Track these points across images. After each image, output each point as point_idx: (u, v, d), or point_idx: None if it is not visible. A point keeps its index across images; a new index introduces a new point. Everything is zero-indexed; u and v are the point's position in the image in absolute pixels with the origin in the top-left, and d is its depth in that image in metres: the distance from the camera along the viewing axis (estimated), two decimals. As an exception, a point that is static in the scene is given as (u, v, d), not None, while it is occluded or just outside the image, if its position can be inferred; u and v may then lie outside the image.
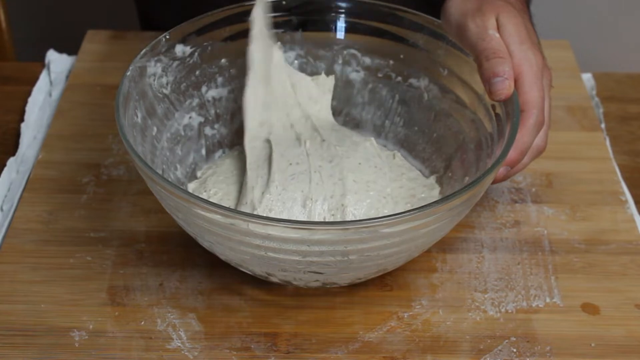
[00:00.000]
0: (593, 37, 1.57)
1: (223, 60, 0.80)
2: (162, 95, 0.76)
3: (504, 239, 0.77)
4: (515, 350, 0.68)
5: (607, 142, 0.88)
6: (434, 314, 0.70)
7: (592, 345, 0.68)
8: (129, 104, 0.71)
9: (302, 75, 0.81)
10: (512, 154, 0.66)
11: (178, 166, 0.77)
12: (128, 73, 0.72)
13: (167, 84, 0.77)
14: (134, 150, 0.65)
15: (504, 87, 0.68)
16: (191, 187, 0.76)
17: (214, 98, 0.81)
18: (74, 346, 0.67)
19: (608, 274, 0.74)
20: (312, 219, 0.70)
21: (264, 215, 0.69)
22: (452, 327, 0.69)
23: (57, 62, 0.97)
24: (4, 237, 0.76)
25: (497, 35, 0.70)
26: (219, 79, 0.81)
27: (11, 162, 0.84)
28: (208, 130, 0.80)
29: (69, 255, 0.74)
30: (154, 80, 0.75)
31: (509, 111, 0.68)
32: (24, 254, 0.75)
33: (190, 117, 0.79)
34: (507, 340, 0.68)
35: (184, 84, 0.78)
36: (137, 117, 0.72)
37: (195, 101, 0.79)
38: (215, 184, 0.75)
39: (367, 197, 0.71)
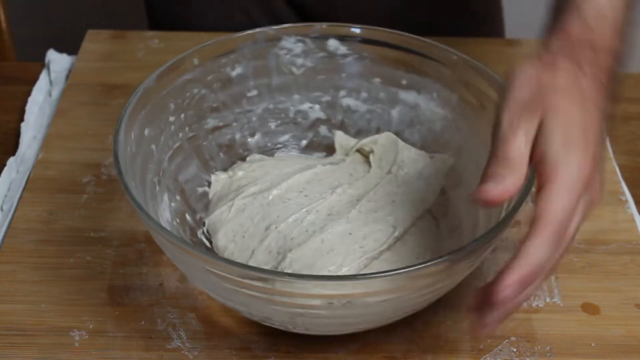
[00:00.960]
0: (593, 37, 1.56)
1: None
2: None
3: (504, 239, 0.77)
4: (515, 350, 0.68)
5: (607, 142, 0.88)
6: (434, 313, 0.70)
7: (592, 345, 0.68)
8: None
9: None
10: (517, 269, 0.56)
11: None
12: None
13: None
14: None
15: (494, 191, 0.56)
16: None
17: None
18: (74, 346, 0.67)
19: (608, 274, 0.74)
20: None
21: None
22: (452, 327, 0.69)
23: (57, 62, 0.97)
24: (4, 237, 0.76)
25: (524, 148, 0.58)
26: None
27: (11, 162, 0.84)
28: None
29: (69, 255, 0.74)
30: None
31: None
32: (24, 254, 0.75)
33: None
34: (507, 340, 0.68)
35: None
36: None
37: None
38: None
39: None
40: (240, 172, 0.77)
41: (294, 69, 0.80)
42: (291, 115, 0.81)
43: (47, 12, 1.68)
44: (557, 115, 0.58)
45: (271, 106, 0.81)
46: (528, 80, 0.60)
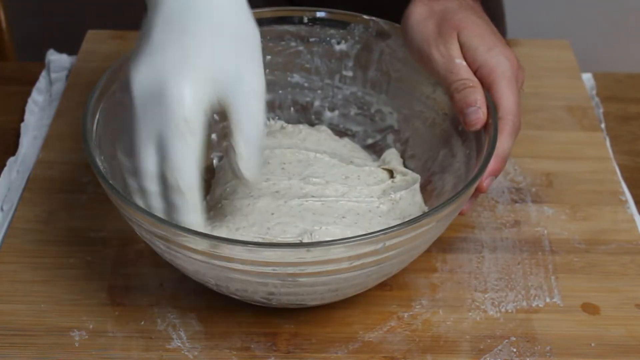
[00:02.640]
0: (593, 37, 1.57)
1: None
2: None
3: (504, 239, 0.77)
4: (515, 350, 0.68)
5: (607, 142, 0.88)
6: (434, 313, 0.70)
7: (592, 345, 0.68)
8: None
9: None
10: (493, 163, 0.67)
11: None
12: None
13: None
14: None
15: (478, 117, 0.68)
16: None
17: None
18: (74, 346, 0.67)
19: (608, 274, 0.74)
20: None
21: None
22: (452, 327, 0.69)
23: (57, 62, 0.97)
24: (4, 237, 0.76)
25: (464, 63, 0.70)
26: None
27: (11, 162, 0.84)
28: None
29: (68, 255, 0.74)
30: None
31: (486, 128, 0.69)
32: (24, 254, 0.75)
33: None
34: (507, 340, 0.68)
35: None
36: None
37: None
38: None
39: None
40: None
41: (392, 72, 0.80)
42: (372, 111, 0.82)
43: (47, 12, 1.68)
44: (467, 29, 0.70)
45: (359, 93, 0.82)
46: (426, 15, 0.73)
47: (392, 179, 0.75)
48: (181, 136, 0.59)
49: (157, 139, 0.60)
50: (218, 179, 0.77)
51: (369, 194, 0.73)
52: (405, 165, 0.78)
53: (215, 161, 0.80)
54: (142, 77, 0.60)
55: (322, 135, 0.80)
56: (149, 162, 0.61)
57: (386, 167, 0.76)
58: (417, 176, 0.75)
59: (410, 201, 0.73)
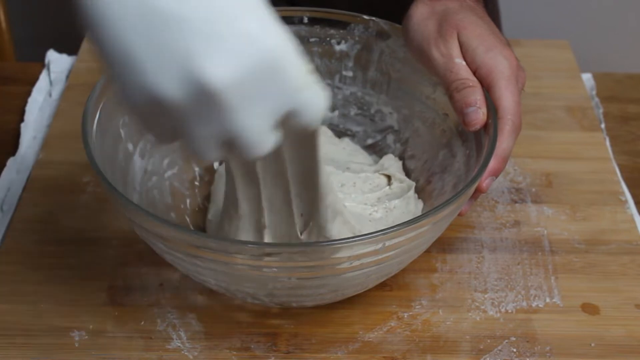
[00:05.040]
0: (593, 37, 1.57)
1: None
2: None
3: (504, 239, 0.77)
4: (515, 350, 0.68)
5: (607, 142, 0.88)
6: (434, 314, 0.70)
7: (592, 345, 0.68)
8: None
9: None
10: (493, 163, 0.66)
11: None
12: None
13: None
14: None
15: (478, 117, 0.67)
16: None
17: None
18: (74, 346, 0.67)
19: (608, 274, 0.74)
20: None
21: None
22: (452, 327, 0.69)
23: (57, 62, 0.97)
24: (4, 237, 0.76)
25: (464, 62, 0.70)
26: None
27: (11, 162, 0.84)
28: None
29: (69, 255, 0.74)
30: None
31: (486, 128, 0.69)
32: (24, 254, 0.75)
33: None
34: (507, 340, 0.68)
35: None
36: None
37: None
38: None
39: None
40: None
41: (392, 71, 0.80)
42: (372, 111, 0.82)
43: (47, 12, 1.68)
44: (466, 29, 0.70)
45: (359, 94, 0.82)
46: (427, 15, 0.72)
47: (389, 186, 0.75)
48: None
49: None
50: (218, 187, 0.77)
51: (364, 201, 0.73)
52: (405, 166, 0.78)
53: (215, 164, 0.80)
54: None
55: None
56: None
57: (384, 172, 0.76)
58: (412, 183, 0.75)
59: (404, 210, 0.73)
